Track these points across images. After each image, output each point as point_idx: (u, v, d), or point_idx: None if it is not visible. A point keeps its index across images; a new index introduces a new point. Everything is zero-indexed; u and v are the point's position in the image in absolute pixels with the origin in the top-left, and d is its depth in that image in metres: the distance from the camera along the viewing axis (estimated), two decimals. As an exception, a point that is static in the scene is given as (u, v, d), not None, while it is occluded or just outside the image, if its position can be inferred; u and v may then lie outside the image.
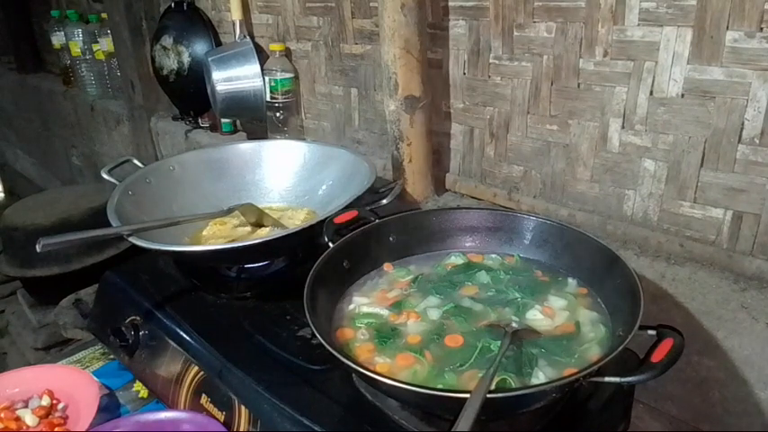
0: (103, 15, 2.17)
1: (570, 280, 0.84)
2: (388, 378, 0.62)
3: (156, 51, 1.80)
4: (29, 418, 0.92)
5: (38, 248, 0.81)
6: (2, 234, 1.66)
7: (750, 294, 0.84)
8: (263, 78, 1.53)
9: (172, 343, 0.91)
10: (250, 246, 0.94)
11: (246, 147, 1.29)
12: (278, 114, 1.54)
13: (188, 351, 0.89)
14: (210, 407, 0.83)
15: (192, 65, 1.70)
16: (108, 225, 0.96)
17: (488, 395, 0.56)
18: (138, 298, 1.01)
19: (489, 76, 1.13)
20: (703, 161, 0.89)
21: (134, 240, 0.91)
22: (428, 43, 1.16)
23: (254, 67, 1.54)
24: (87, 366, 1.09)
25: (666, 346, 0.61)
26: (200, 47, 1.69)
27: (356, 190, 1.00)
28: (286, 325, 0.90)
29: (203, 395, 0.84)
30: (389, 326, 0.77)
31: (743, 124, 0.84)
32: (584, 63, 0.98)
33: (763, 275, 0.86)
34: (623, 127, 0.96)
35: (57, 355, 1.23)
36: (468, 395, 0.55)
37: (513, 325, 0.73)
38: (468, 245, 0.94)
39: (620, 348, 0.60)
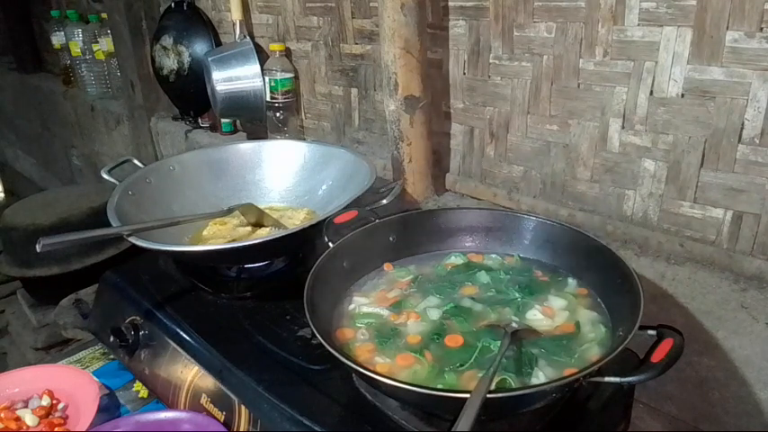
0: (103, 15, 2.17)
1: (570, 280, 0.84)
2: (388, 378, 0.62)
3: (156, 51, 1.80)
4: (29, 418, 0.92)
5: (38, 248, 0.81)
6: (2, 234, 1.66)
7: (750, 294, 0.84)
8: (263, 78, 1.53)
9: (172, 343, 0.91)
10: (250, 246, 0.94)
11: (246, 147, 1.29)
12: (278, 114, 1.54)
13: (188, 351, 0.89)
14: (210, 407, 0.83)
15: (192, 65, 1.70)
16: (108, 225, 0.96)
17: (488, 395, 0.56)
18: (138, 298, 1.01)
19: (489, 76, 1.13)
20: (703, 161, 0.89)
21: (134, 240, 0.91)
22: (428, 43, 1.16)
23: (254, 67, 1.54)
24: (87, 366, 1.09)
25: (666, 346, 0.62)
26: (200, 47, 1.69)
27: (356, 190, 1.00)
28: (286, 325, 0.90)
29: (203, 395, 0.84)
30: (389, 326, 0.77)
31: (743, 124, 0.84)
32: (584, 63, 0.98)
33: (763, 275, 0.86)
34: (623, 127, 0.96)
35: (57, 355, 1.23)
36: (468, 395, 0.55)
37: (513, 325, 0.73)
38: (468, 245, 0.94)
39: (620, 348, 0.60)
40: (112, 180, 1.13)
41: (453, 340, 0.73)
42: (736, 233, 0.89)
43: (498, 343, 0.69)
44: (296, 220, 1.13)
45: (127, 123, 2.19)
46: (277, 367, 0.81)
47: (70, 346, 1.28)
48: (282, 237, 0.93)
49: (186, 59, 1.71)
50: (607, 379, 0.60)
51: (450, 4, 1.14)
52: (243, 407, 0.78)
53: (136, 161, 1.23)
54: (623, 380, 0.60)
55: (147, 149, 2.08)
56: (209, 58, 1.56)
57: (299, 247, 1.05)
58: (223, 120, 1.74)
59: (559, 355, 0.70)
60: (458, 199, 1.24)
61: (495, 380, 0.62)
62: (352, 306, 0.82)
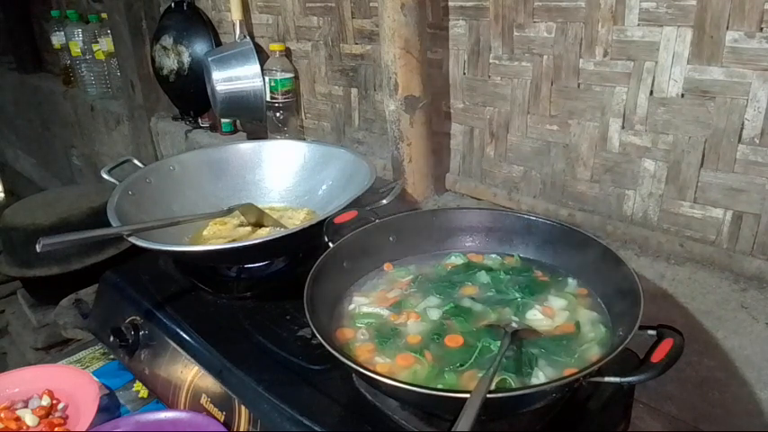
0: (103, 15, 2.17)
1: (570, 280, 0.84)
2: (388, 378, 0.62)
3: (156, 51, 1.80)
4: (29, 418, 0.92)
5: (38, 248, 0.81)
6: (2, 234, 1.66)
7: (750, 294, 0.84)
8: (263, 78, 1.53)
9: (172, 343, 0.91)
10: (250, 246, 0.94)
11: (246, 147, 1.29)
12: (278, 114, 1.54)
13: (188, 351, 0.89)
14: (210, 407, 0.83)
15: (192, 65, 1.70)
16: (108, 225, 0.96)
17: (488, 395, 0.56)
18: (138, 298, 1.01)
19: (489, 76, 1.13)
20: (703, 161, 0.89)
21: (134, 240, 0.91)
22: (428, 43, 1.16)
23: (254, 67, 1.54)
24: (87, 366, 1.09)
25: (666, 346, 0.61)
26: (200, 47, 1.69)
27: (356, 190, 1.00)
28: (286, 325, 0.90)
29: (203, 395, 0.84)
30: (389, 326, 0.77)
31: (743, 124, 0.84)
32: (584, 63, 0.98)
33: (763, 275, 0.86)
34: (623, 127, 0.96)
35: (57, 355, 1.23)
36: (468, 395, 0.55)
37: (513, 325, 0.73)
38: (468, 245, 0.94)
39: (620, 348, 0.60)
40: (112, 180, 1.13)
41: (453, 340, 0.73)
42: (736, 233, 0.89)
43: (498, 343, 0.69)
44: (296, 220, 1.13)
45: (127, 123, 2.19)
46: (277, 367, 0.81)
47: (70, 346, 1.28)
48: (282, 237, 0.93)
49: (186, 59, 1.71)
50: (607, 379, 0.60)
51: (451, 4, 1.14)
52: (243, 407, 0.78)
53: (136, 161, 1.23)
54: (623, 380, 0.60)
55: (147, 149, 2.08)
56: (209, 58, 1.56)
57: (298, 247, 1.05)
58: (223, 120, 1.74)
59: (559, 355, 0.70)
60: (458, 199, 1.24)
61: (495, 380, 0.62)
62: (352, 306, 0.82)
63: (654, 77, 0.91)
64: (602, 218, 1.03)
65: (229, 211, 1.09)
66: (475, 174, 1.22)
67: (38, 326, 1.67)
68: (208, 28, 1.71)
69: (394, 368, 0.70)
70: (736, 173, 0.87)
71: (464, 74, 1.17)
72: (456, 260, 0.91)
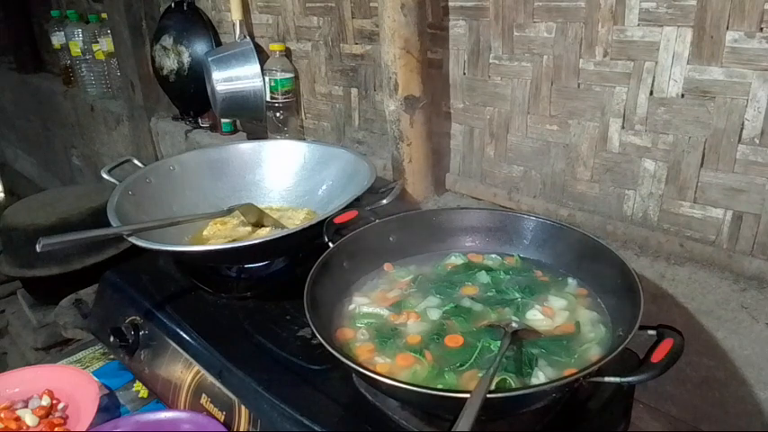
0: (103, 15, 2.17)
1: (570, 280, 0.84)
2: (388, 378, 0.62)
3: (156, 51, 1.80)
4: (29, 418, 0.92)
5: (38, 248, 0.81)
6: (2, 234, 1.66)
7: (750, 294, 0.84)
8: (263, 78, 1.53)
9: (172, 343, 0.91)
10: (250, 246, 0.94)
11: (246, 147, 1.29)
12: (278, 114, 1.54)
13: (188, 351, 0.89)
14: (210, 407, 0.83)
15: (192, 65, 1.70)
16: (108, 225, 0.96)
17: (488, 395, 0.56)
18: (138, 298, 1.01)
19: (489, 76, 1.13)
20: (703, 161, 0.89)
21: (134, 240, 0.91)
22: (428, 43, 1.16)
23: (254, 67, 1.54)
24: (87, 366, 1.09)
25: (666, 346, 0.62)
26: (200, 47, 1.69)
27: (356, 190, 1.00)
28: (286, 325, 0.90)
29: (203, 395, 0.84)
30: (389, 326, 0.77)
31: (743, 124, 0.84)
32: (584, 63, 0.98)
33: (763, 275, 0.86)
34: (623, 127, 0.96)
35: (57, 355, 1.23)
36: (468, 395, 0.55)
37: (513, 325, 0.73)
38: (468, 245, 0.94)
39: (620, 348, 0.61)
40: (112, 180, 1.13)
41: (453, 340, 0.73)
42: (736, 233, 0.89)
43: (498, 343, 0.69)
44: (296, 220, 1.13)
45: (127, 123, 2.19)
46: (277, 367, 0.81)
47: (70, 346, 1.29)
48: (282, 237, 0.93)
49: (186, 59, 1.71)
50: (607, 379, 0.60)
51: (451, 4, 1.14)
52: (243, 407, 0.78)
53: (136, 161, 1.23)
54: (623, 380, 0.60)
55: (147, 149, 2.08)
56: (209, 58, 1.56)
57: (299, 247, 1.05)
58: (223, 120, 1.74)
59: (559, 355, 0.70)
60: (458, 199, 1.24)
61: (495, 380, 0.62)
62: (352, 306, 0.82)
63: (654, 77, 0.91)
64: (602, 218, 1.03)
65: (229, 211, 1.09)
66: (475, 174, 1.22)
67: (38, 326, 1.67)
68: (208, 28, 1.71)
69: (394, 368, 0.70)
70: (736, 173, 0.87)
71: (464, 74, 1.17)
72: (456, 260, 0.91)
